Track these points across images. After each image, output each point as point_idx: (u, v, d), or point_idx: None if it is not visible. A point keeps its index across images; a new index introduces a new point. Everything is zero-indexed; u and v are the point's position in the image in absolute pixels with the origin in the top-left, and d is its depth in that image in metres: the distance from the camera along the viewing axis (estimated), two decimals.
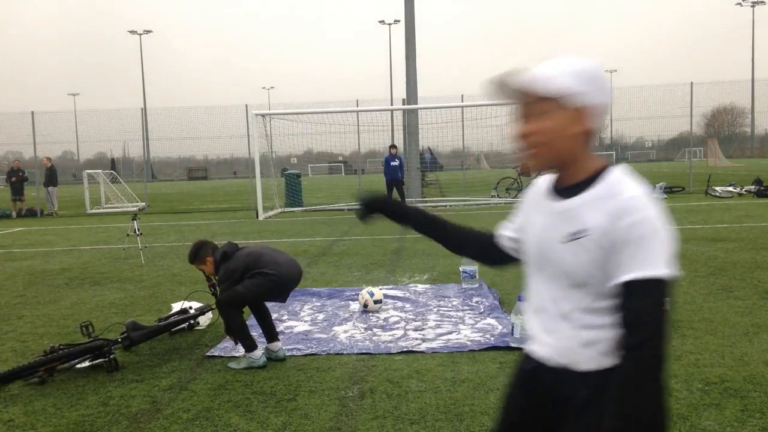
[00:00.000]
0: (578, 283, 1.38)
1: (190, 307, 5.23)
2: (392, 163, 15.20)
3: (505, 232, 1.67)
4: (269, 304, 6.02)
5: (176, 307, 5.50)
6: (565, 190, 1.43)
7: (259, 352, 4.28)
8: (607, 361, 1.36)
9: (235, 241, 4.57)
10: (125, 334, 4.58)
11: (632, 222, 1.29)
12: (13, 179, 20.44)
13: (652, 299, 1.26)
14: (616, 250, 1.30)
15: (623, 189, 1.33)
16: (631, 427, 1.24)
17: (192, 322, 5.11)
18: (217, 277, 4.43)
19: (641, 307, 1.26)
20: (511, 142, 1.44)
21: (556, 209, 1.42)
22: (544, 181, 1.54)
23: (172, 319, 4.96)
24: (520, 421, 1.57)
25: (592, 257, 1.34)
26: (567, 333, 1.42)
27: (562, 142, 1.37)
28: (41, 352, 4.52)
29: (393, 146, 15.59)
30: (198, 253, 4.50)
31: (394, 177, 15.22)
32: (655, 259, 1.28)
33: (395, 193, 15.41)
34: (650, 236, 1.28)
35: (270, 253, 4.45)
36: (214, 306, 4.90)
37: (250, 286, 4.29)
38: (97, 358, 4.35)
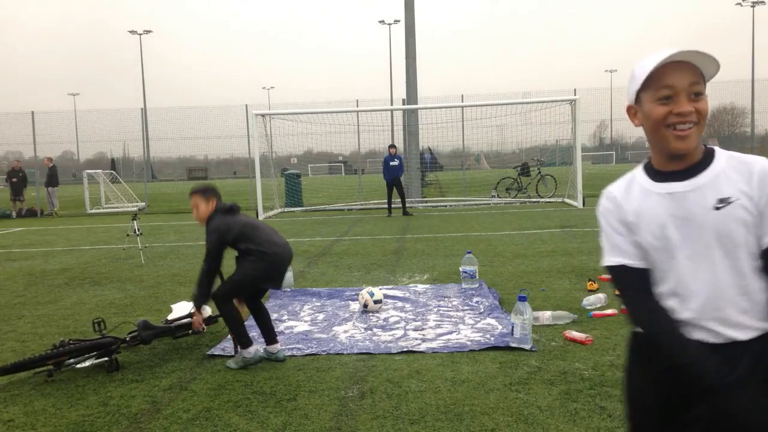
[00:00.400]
0: (735, 245, 1.50)
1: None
2: (392, 163, 15.25)
3: (630, 256, 1.63)
4: (271, 303, 6.02)
5: (177, 307, 5.50)
6: (686, 170, 1.55)
7: (253, 349, 4.28)
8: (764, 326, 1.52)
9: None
10: (135, 333, 4.59)
11: None
12: (14, 180, 20.46)
13: None
14: (764, 212, 1.49)
15: (751, 160, 1.52)
16: None
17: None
18: (206, 227, 4.32)
19: None
20: (666, 119, 1.51)
21: (693, 185, 1.53)
22: (633, 180, 1.63)
23: (181, 322, 4.96)
24: (658, 411, 1.62)
25: (744, 219, 1.49)
26: (728, 304, 1.51)
27: (705, 124, 1.53)
28: (51, 345, 4.54)
29: (392, 146, 15.62)
30: (207, 190, 4.43)
31: (393, 176, 15.29)
32: None
33: (395, 193, 15.43)
34: None
35: (267, 230, 4.45)
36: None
37: (245, 271, 4.29)
38: (103, 356, 4.36)
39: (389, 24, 63.29)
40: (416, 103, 19.50)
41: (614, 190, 1.67)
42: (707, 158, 1.55)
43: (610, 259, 1.66)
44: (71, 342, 4.40)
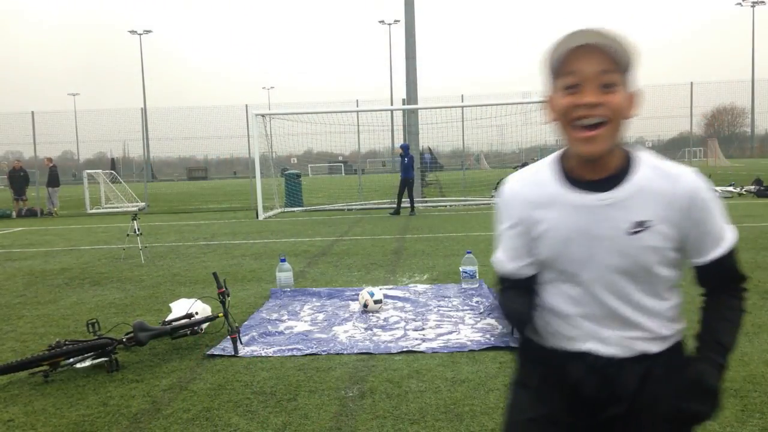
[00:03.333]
0: (645, 272, 1.37)
1: (196, 313, 5.20)
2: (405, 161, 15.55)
3: (521, 262, 1.50)
4: (271, 303, 6.03)
5: (176, 307, 5.50)
6: (601, 180, 1.35)
7: None
8: (663, 344, 1.43)
9: None
10: (131, 334, 4.59)
11: (701, 199, 1.35)
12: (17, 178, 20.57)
13: (737, 255, 1.44)
14: (694, 230, 1.36)
15: (672, 170, 1.36)
16: (734, 345, 1.43)
17: (195, 328, 5.10)
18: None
19: (737, 265, 1.44)
20: (560, 114, 1.31)
21: (605, 201, 1.34)
22: (543, 178, 1.43)
23: (179, 323, 4.95)
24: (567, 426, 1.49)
25: (659, 245, 1.35)
26: (631, 324, 1.41)
27: (622, 123, 1.32)
28: (47, 346, 4.54)
29: (401, 146, 15.99)
30: None
31: (405, 175, 15.54)
32: (726, 224, 1.41)
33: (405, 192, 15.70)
34: (716, 207, 1.39)
35: None
36: (220, 314, 4.89)
37: None
38: (100, 357, 4.36)
39: (389, 24, 63.33)
40: (416, 103, 19.50)
41: (525, 193, 1.46)
42: (628, 167, 1.35)
43: (503, 262, 1.53)
44: (67, 342, 4.40)
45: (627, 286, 1.38)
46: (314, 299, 6.25)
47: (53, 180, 20.70)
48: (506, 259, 1.52)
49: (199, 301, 5.36)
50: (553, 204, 1.39)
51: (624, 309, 1.39)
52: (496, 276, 1.57)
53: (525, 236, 1.46)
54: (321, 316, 5.58)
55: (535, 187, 1.44)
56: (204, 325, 5.21)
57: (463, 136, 21.24)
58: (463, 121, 20.81)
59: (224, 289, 4.78)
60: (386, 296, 6.04)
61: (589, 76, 1.26)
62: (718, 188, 18.11)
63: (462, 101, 19.67)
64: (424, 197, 20.28)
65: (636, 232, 1.33)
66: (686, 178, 1.34)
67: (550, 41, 1.31)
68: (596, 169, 1.35)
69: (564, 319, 1.45)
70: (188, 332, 4.98)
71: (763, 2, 64.77)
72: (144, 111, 22.33)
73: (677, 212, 1.33)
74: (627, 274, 1.37)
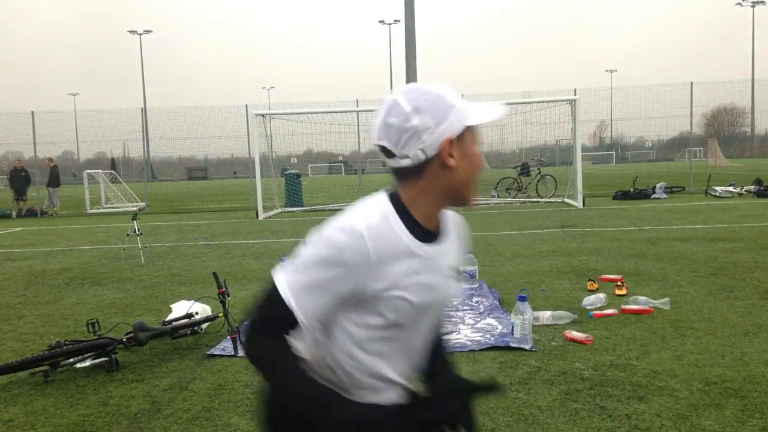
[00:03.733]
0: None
1: (196, 313, 5.21)
2: None
3: (320, 319, 1.28)
4: None
5: (176, 307, 5.50)
6: (436, 231, 1.35)
7: None
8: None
9: None
10: (131, 334, 4.59)
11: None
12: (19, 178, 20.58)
13: None
14: None
15: (456, 220, 1.47)
16: None
17: (195, 328, 5.10)
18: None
19: None
20: (475, 169, 1.41)
21: (441, 251, 1.34)
22: (395, 228, 1.26)
23: (178, 323, 4.96)
24: None
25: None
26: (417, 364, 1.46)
27: None
28: (47, 346, 4.54)
29: None
30: None
31: None
32: None
33: None
34: None
35: None
36: (220, 314, 4.89)
37: None
38: (100, 357, 4.36)
39: (389, 24, 63.42)
40: None
41: (370, 233, 1.22)
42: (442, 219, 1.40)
43: (305, 308, 1.23)
44: (67, 342, 4.41)
45: (435, 328, 1.49)
46: None
47: (54, 180, 20.71)
48: (313, 308, 1.23)
49: (198, 302, 5.36)
50: (409, 257, 1.25)
51: (425, 348, 1.46)
52: (266, 317, 1.26)
53: (349, 292, 1.23)
54: None
55: (387, 238, 1.24)
56: (204, 325, 5.21)
57: None
58: None
59: (224, 289, 4.78)
60: None
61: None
62: (718, 188, 18.09)
63: None
64: None
65: (454, 278, 1.39)
66: (460, 220, 1.48)
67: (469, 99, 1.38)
68: (438, 219, 1.36)
69: (383, 374, 1.35)
70: (188, 332, 4.98)
71: (763, 2, 64.85)
72: (144, 111, 22.33)
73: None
74: (439, 317, 1.44)
